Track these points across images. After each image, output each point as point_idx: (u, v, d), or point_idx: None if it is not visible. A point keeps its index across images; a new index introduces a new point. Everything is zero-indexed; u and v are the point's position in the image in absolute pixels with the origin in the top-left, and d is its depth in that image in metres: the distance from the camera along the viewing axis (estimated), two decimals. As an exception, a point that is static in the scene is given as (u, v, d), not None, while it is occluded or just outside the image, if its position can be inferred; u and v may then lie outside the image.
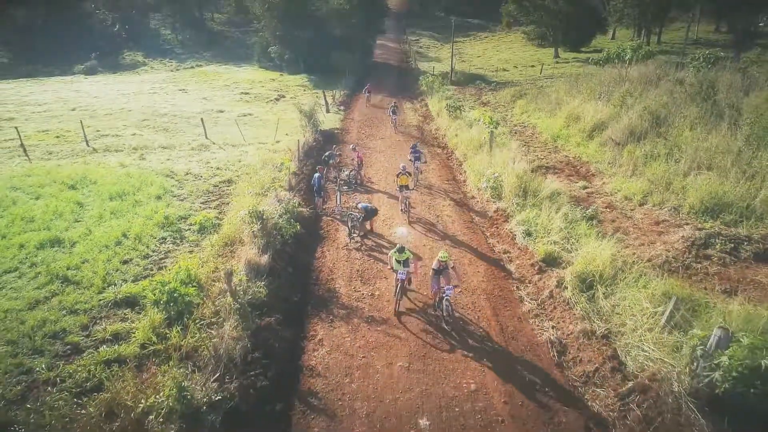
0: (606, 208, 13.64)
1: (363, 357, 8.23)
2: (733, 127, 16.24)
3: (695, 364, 6.85)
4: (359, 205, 12.22)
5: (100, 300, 9.82)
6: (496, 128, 18.35)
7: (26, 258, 11.33)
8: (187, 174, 17.27)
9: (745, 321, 7.33)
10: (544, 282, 10.29)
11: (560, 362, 8.35)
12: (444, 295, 8.96)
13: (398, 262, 9.39)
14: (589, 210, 12.63)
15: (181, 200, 15.07)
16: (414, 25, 75.78)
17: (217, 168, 18.06)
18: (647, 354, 7.58)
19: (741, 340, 6.52)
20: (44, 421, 6.73)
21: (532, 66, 46.87)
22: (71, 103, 32.02)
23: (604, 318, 8.73)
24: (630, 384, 7.41)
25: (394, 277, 9.66)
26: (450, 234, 13.05)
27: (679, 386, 6.89)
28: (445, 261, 9.07)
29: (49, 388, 7.59)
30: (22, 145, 20.38)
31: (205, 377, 6.74)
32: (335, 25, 43.54)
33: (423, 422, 6.99)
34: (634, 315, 8.26)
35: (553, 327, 9.13)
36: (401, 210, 14.05)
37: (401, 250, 9.38)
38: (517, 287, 10.55)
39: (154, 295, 8.33)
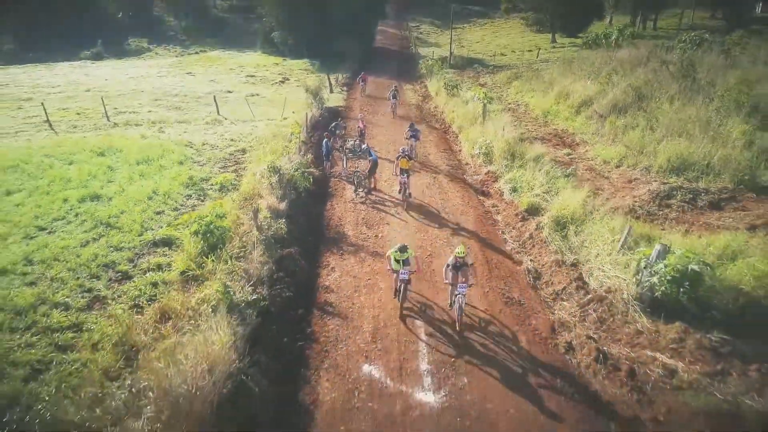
0: (586, 170, 15.14)
1: (368, 279, 9.81)
2: (707, 101, 17.68)
3: (640, 274, 8.41)
4: (368, 151, 13.74)
5: (140, 240, 11.38)
6: (489, 103, 19.80)
7: (71, 209, 12.87)
8: (204, 144, 18.76)
9: (683, 245, 8.88)
10: (526, 227, 11.85)
11: (534, 284, 9.92)
12: (458, 294, 8.37)
13: (398, 261, 8.67)
14: (569, 170, 14.14)
15: (201, 165, 16.58)
16: (414, 11, 76.68)
17: (231, 139, 19.54)
18: (605, 273, 9.14)
19: (675, 252, 8.08)
20: (108, 324, 8.28)
21: (530, 51, 48.05)
22: (84, 86, 33.35)
23: (573, 251, 10.28)
24: (589, 296, 8.99)
25: (393, 278, 9.05)
26: (445, 193, 14.57)
27: (627, 293, 8.45)
28: (462, 257, 8.59)
29: (109, 301, 9.18)
30: (47, 120, 21.91)
31: (241, 284, 8.30)
32: (338, 10, 44.62)
33: (418, 322, 8.57)
34: (597, 245, 9.81)
35: (530, 260, 10.69)
36: (399, 192, 13.59)
37: (403, 249, 8.67)
38: (502, 232, 12.09)
39: (193, 227, 9.85)
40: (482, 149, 16.13)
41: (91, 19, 59.95)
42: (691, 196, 12.25)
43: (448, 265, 8.70)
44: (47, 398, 6.39)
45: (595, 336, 8.14)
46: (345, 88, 31.80)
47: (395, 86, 25.82)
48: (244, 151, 18.11)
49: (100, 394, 6.17)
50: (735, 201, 12.03)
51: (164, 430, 5.33)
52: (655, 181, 13.28)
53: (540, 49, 46.58)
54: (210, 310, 7.40)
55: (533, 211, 12.25)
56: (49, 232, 11.64)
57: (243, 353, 6.81)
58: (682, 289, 7.82)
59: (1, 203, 13.27)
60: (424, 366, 7.63)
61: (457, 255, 8.56)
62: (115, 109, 24.95)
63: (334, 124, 18.33)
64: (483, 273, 10.12)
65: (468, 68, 39.89)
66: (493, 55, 46.97)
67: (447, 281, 8.65)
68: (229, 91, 30.66)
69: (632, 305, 8.33)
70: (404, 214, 12.84)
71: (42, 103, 22.10)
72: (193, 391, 5.60)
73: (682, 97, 18.88)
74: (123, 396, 5.84)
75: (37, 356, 7.59)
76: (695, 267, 7.75)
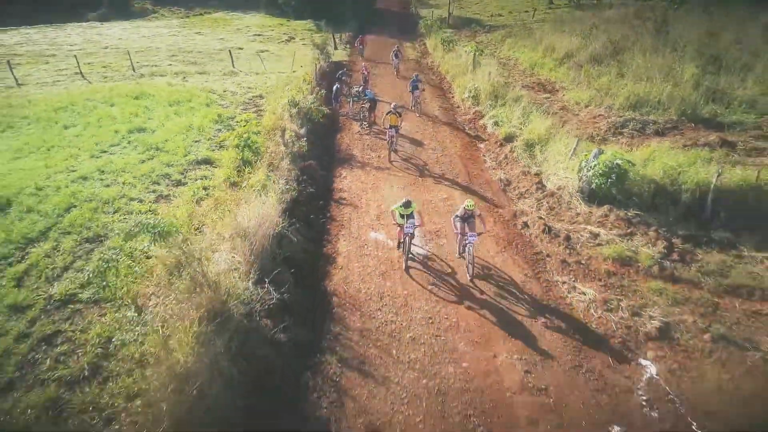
0: (559, 109, 17.53)
1: (373, 183, 12.42)
2: (673, 52, 19.90)
3: (581, 172, 10.99)
4: (367, 93, 16.13)
5: (186, 159, 13.92)
6: (480, 54, 21.98)
7: (123, 138, 15.38)
8: (225, 91, 21.07)
9: (622, 153, 11.42)
10: (502, 150, 14.38)
11: (504, 189, 12.53)
12: (467, 243, 8.89)
13: (402, 216, 9.03)
14: (543, 107, 16.56)
15: (225, 107, 18.96)
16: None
17: (248, 87, 21.82)
18: (558, 176, 11.73)
19: (606, 152, 10.64)
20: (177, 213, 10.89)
21: (526, 11, 49.39)
22: (101, 43, 35.24)
23: (537, 164, 12.85)
24: (545, 193, 11.61)
25: (398, 232, 9.53)
26: (439, 129, 17.02)
27: (571, 188, 11.06)
28: (471, 209, 8.97)
29: (171, 198, 11.81)
30: (79, 71, 24.15)
31: (276, 179, 10.91)
32: (340, -30, 45.81)
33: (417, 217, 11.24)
34: (556, 158, 12.37)
35: (504, 173, 13.27)
36: (388, 144, 14.37)
37: (407, 204, 8.97)
38: (483, 155, 14.64)
39: (234, 141, 12.39)
40: (471, 93, 18.49)
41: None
42: (641, 126, 14.72)
43: (456, 216, 9.11)
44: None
45: (544, 217, 10.79)
46: (348, 46, 33.71)
47: (397, 46, 27.14)
48: (261, 96, 20.42)
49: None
50: (676, 129, 14.50)
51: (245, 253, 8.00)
52: (614, 115, 15.71)
53: (536, 10, 47.96)
54: (258, 189, 10.01)
55: (509, 138, 14.75)
56: (110, 154, 14.19)
57: (283, 219, 9.45)
58: (610, 181, 10.41)
59: (62, 134, 15.78)
60: (417, 246, 10.32)
61: (466, 208, 8.95)
62: (138, 62, 27.06)
63: (340, 72, 20.57)
64: (464, 180, 12.72)
65: (465, 28, 41.47)
66: (491, 15, 48.37)
67: (456, 231, 9.13)
68: (240, 48, 32.59)
69: (574, 196, 10.96)
70: (394, 156, 14.79)
71: (75, 56, 24.31)
72: (256, 229, 8.26)
73: (653, 49, 21.05)
74: (210, 236, 8.50)
75: (127, 228, 10.25)
76: (620, 162, 10.32)
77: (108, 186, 12.11)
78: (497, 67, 21.82)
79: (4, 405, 6.43)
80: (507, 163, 13.69)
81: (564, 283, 8.79)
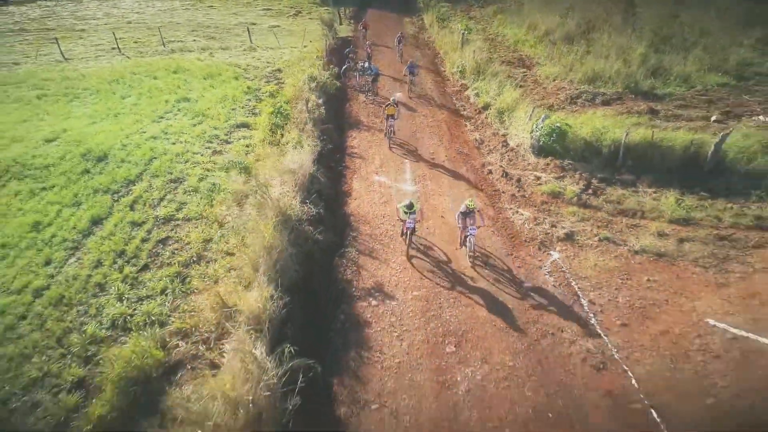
0: (532, 83, 21.02)
1: (378, 141, 16.15)
2: (634, 32, 23.20)
3: (533, 132, 14.69)
4: (371, 68, 19.62)
5: (227, 124, 17.57)
6: (469, 33, 25.24)
7: (173, 106, 18.98)
8: (248, 66, 24.46)
9: (565, 118, 15.09)
10: (480, 117, 18.02)
11: (478, 146, 16.24)
12: (469, 234, 10.31)
13: (406, 212, 10.45)
14: (517, 80, 20.07)
15: (251, 80, 22.42)
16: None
17: (267, 62, 25.19)
18: (518, 136, 15.43)
19: (551, 117, 14.34)
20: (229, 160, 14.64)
21: (521, -15, 51.71)
22: (123, 18, 38.19)
23: (504, 127, 16.52)
24: (507, 148, 15.34)
25: (402, 225, 10.97)
26: (431, 100, 20.55)
27: (525, 145, 14.78)
28: (472, 208, 10.24)
29: (222, 153, 15.54)
30: (117, 47, 27.46)
31: (305, 138, 14.65)
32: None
33: (407, 161, 15.01)
34: (518, 122, 16.03)
35: (479, 134, 16.97)
36: (385, 134, 16.28)
37: (410, 206, 10.42)
38: (464, 121, 18.29)
39: (269, 109, 16.05)
40: (459, 68, 21.95)
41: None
42: (592, 96, 18.29)
43: (460, 213, 10.42)
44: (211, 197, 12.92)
45: (504, 166, 14.57)
46: (352, 21, 36.67)
47: (401, 33, 28.46)
48: (279, 70, 23.83)
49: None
50: (620, 100, 18.07)
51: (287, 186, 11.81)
52: (573, 88, 19.26)
53: (530, -17, 50.29)
54: (294, 144, 13.77)
55: (486, 107, 18.36)
56: (167, 120, 17.84)
57: (313, 165, 13.25)
58: (552, 139, 14.12)
59: (122, 103, 19.39)
60: (408, 176, 14.12)
61: (467, 205, 10.27)
62: (164, 38, 30.28)
63: (348, 49, 23.92)
64: (448, 140, 16.44)
65: (462, 2, 44.14)
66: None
67: (459, 226, 10.58)
68: (253, 24, 35.59)
69: (527, 151, 14.69)
70: (405, 113, 18.71)
71: (113, 32, 27.51)
72: (297, 170, 12.06)
73: (619, 29, 24.30)
74: (266, 174, 12.33)
75: (198, 173, 14.06)
76: (560, 125, 14.02)
77: (174, 144, 15.83)
78: (483, 44, 25.11)
79: (147, 276, 10.36)
80: (482, 127, 17.37)
81: (511, 209, 12.64)
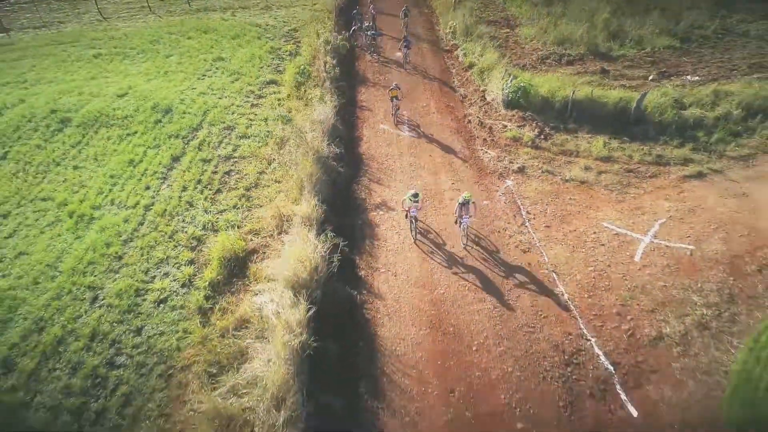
0: (513, 43, 24.63)
1: (382, 96, 20.16)
2: (607, -4, 26.41)
3: (504, 89, 18.72)
4: (375, 29, 23.28)
5: (258, 81, 21.53)
6: (461, -5, 28.44)
7: (211, 65, 22.80)
8: (267, 25, 27.87)
9: (530, 78, 19.06)
10: (465, 74, 21.90)
11: (462, 100, 20.29)
12: (462, 222, 12.23)
13: (411, 200, 12.24)
14: (499, 41, 23.70)
15: (271, 40, 25.98)
16: None
17: (284, 21, 28.54)
18: (494, 92, 19.45)
19: (518, 77, 18.35)
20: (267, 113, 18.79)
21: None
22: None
23: (484, 84, 20.48)
24: (484, 102, 19.43)
25: (408, 214, 12.79)
26: (424, 57, 24.26)
27: (498, 100, 18.86)
28: (468, 199, 12.03)
29: (259, 105, 19.64)
30: (148, 5, 30.66)
31: (324, 92, 18.73)
32: None
33: (405, 112, 19.15)
34: (494, 80, 19.97)
35: (463, 90, 20.97)
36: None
37: (415, 195, 12.24)
38: (453, 77, 22.18)
39: (294, 69, 20.01)
40: (451, 29, 25.49)
41: None
42: (559, 57, 22.07)
43: (458, 203, 12.23)
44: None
45: (480, 117, 18.73)
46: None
47: (406, 6, 27.48)
48: (295, 30, 27.28)
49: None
50: (581, 61, 21.88)
51: (314, 135, 16.06)
52: (545, 49, 22.98)
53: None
54: (318, 99, 17.91)
55: (471, 66, 22.17)
56: (209, 77, 21.75)
57: (333, 116, 17.44)
58: (518, 96, 18.20)
59: (167, 62, 23.20)
60: (405, 125, 18.34)
61: (465, 197, 12.04)
62: (185, -4, 33.25)
63: (354, 11, 27.24)
64: (438, 96, 20.47)
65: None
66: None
67: (456, 215, 12.43)
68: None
69: (499, 104, 18.80)
70: (403, 72, 22.57)
71: (143, -7, 30.60)
72: (323, 119, 16.29)
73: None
74: (301, 122, 16.59)
75: (244, 122, 18.25)
76: (524, 84, 18.06)
77: (220, 99, 19.91)
78: (474, 3, 28.34)
79: (221, 196, 14.85)
80: (466, 83, 21.32)
81: (481, 150, 16.95)
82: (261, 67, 22.66)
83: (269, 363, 8.99)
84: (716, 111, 16.69)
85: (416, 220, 12.97)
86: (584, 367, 9.81)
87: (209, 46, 24.71)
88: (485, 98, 19.72)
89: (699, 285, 11.26)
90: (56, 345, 10.40)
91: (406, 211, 12.91)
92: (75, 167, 15.97)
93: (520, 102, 18.28)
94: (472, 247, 12.96)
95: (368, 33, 24.49)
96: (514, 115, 18.13)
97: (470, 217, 12.42)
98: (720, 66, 20.44)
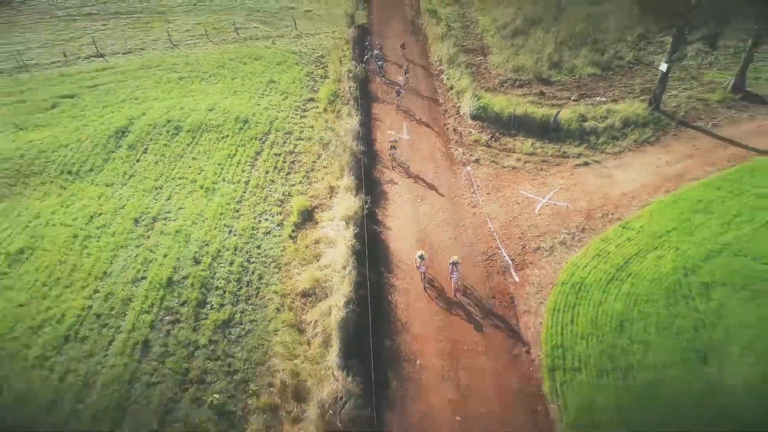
0: (483, 70, 33.74)
1: (388, 111, 29.36)
2: (554, 31, 35.52)
3: (471, 106, 27.90)
4: (382, 58, 32.51)
5: (302, 99, 30.67)
6: (447, 27, 37.55)
7: (266, 87, 31.89)
8: (301, 52, 36.88)
9: (489, 99, 28.26)
10: (447, 94, 31.07)
11: (444, 114, 29.44)
12: (453, 276, 17.06)
13: (421, 258, 17.20)
14: (473, 68, 32.83)
15: (306, 65, 34.99)
16: None
17: (313, 48, 37.50)
18: (464, 108, 28.64)
19: (481, 99, 27.57)
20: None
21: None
22: (190, 2, 49.60)
23: (459, 101, 29.62)
24: (458, 115, 28.67)
25: (419, 270, 17.74)
26: (419, 83, 33.35)
27: (467, 113, 28.09)
28: (456, 261, 16.91)
29: (306, 117, 28.82)
30: (206, 33, 39.76)
31: (349, 109, 27.94)
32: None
33: (405, 122, 28.38)
34: (466, 99, 29.12)
35: (445, 106, 30.16)
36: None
37: (422, 256, 17.20)
38: (439, 97, 31.37)
39: (327, 91, 29.22)
40: (438, 58, 34.65)
41: None
42: (514, 82, 31.22)
43: (450, 263, 17.01)
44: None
45: (455, 125, 27.93)
46: (365, 5, 48.12)
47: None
48: (322, 56, 36.37)
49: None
50: (528, 84, 31.02)
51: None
52: (504, 76, 32.14)
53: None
54: (346, 114, 27.13)
55: (451, 88, 31.32)
56: (267, 96, 30.87)
57: (357, 126, 26.66)
58: (480, 111, 27.41)
59: (233, 83, 32.30)
60: (405, 130, 27.51)
61: (454, 260, 16.93)
62: (232, 24, 42.27)
63: (367, 42, 36.33)
64: (428, 110, 29.67)
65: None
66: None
67: (449, 272, 17.28)
68: (292, 7, 47.25)
69: (467, 117, 28.02)
70: (403, 93, 31.76)
71: (202, 24, 39.73)
72: (350, 128, 25.52)
73: (548, 27, 36.55)
74: (337, 130, 25.84)
75: (298, 129, 27.41)
76: (484, 104, 27.26)
77: (279, 112, 29.03)
78: (459, 32, 37.47)
79: (290, 176, 24.12)
80: (447, 101, 30.47)
81: (453, 148, 26.12)
82: (302, 88, 31.78)
83: (336, 255, 18.25)
84: (605, 123, 25.80)
85: (424, 275, 17.91)
86: (496, 261, 19.07)
87: (261, 70, 33.81)
88: (459, 112, 28.89)
89: (566, 224, 20.49)
90: (216, 253, 19.63)
91: (418, 267, 17.88)
92: (193, 158, 25.13)
93: (481, 116, 27.41)
94: (461, 295, 17.94)
95: (378, 62, 33.63)
96: (476, 125, 27.28)
97: (458, 273, 17.27)
98: (623, 89, 29.59)
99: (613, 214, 20.57)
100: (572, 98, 28.96)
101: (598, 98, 28.72)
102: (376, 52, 35.15)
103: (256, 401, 14.25)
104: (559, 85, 30.66)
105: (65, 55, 36.92)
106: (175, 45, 38.70)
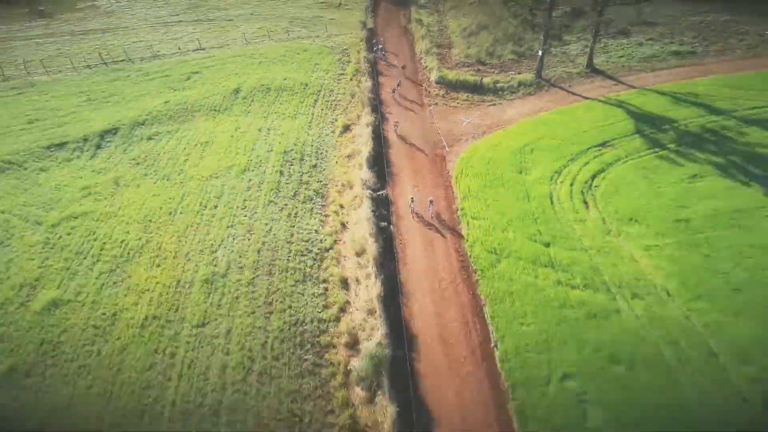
0: (446, 57, 54.21)
1: (389, 81, 50.00)
2: (490, 29, 56.06)
3: (435, 76, 48.48)
4: (384, 50, 53.11)
5: (336, 74, 51.23)
6: (427, 31, 58.11)
7: (314, 67, 52.56)
8: (332, 47, 57.40)
9: (447, 72, 48.87)
10: (424, 71, 51.70)
11: (421, 82, 50.09)
12: (430, 208, 29.25)
13: (412, 200, 30.34)
14: (441, 57, 53.33)
15: (336, 54, 55.52)
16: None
17: (339, 44, 57.98)
18: (433, 77, 49.28)
19: (442, 72, 48.22)
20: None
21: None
22: (248, 12, 70.23)
23: (430, 73, 50.24)
24: (429, 81, 49.36)
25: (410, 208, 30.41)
26: (408, 63, 53.78)
27: (433, 81, 48.74)
28: (431, 200, 29.82)
29: (341, 83, 49.32)
30: (267, 34, 60.50)
31: (365, 78, 48.52)
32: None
33: (398, 88, 48.97)
34: (433, 72, 49.72)
35: (422, 76, 50.80)
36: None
37: (412, 199, 30.15)
38: (419, 72, 51.98)
39: (351, 70, 49.82)
40: (420, 50, 55.27)
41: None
42: (463, 64, 51.82)
43: (429, 201, 30.10)
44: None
45: (426, 87, 48.53)
46: (372, 13, 68.63)
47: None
48: (346, 49, 56.84)
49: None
50: (472, 65, 51.60)
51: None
52: (460, 60, 52.71)
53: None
54: (364, 81, 47.72)
55: (430, 70, 51.93)
56: (315, 73, 51.50)
57: (371, 87, 47.26)
58: (441, 78, 48.00)
59: (291, 67, 52.97)
60: (397, 95, 48.00)
61: (430, 200, 29.91)
62: (282, 28, 62.76)
63: (374, 41, 56.88)
64: (412, 80, 50.25)
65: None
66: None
67: (427, 207, 30.12)
68: (320, 17, 67.76)
69: (434, 82, 48.65)
70: (400, 77, 52.20)
71: (263, 29, 60.55)
72: (367, 87, 46.07)
73: (492, 28, 57.05)
74: (360, 95, 46.51)
75: (339, 89, 47.86)
76: (442, 75, 47.88)
77: (324, 81, 49.58)
78: (436, 32, 58.07)
79: (337, 124, 44.78)
80: (424, 74, 51.13)
81: (425, 98, 46.74)
82: (335, 67, 52.25)
83: (362, 139, 38.83)
84: (508, 84, 46.29)
85: (416, 213, 31.40)
86: (439, 144, 39.63)
87: (309, 57, 54.36)
88: (429, 80, 49.44)
89: (476, 130, 40.97)
90: (303, 143, 40.26)
91: (411, 207, 31.44)
92: (280, 104, 45.69)
93: (441, 81, 47.95)
94: (434, 208, 42.43)
95: (382, 52, 54.26)
96: (438, 86, 47.80)
97: (433, 207, 31.42)
98: (527, 67, 50.10)
99: (499, 126, 41.12)
100: (496, 72, 49.55)
101: (512, 73, 49.30)
102: (380, 46, 55.72)
103: (332, 187, 34.66)
104: (490, 65, 51.22)
105: (179, 48, 57.52)
106: (248, 42, 59.25)
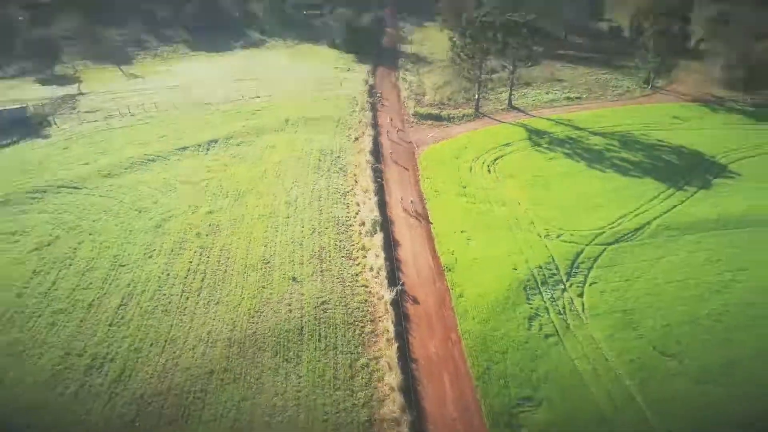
0: (421, 101, 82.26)
1: (383, 114, 77.68)
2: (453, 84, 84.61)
3: (411, 112, 76.13)
4: (380, 96, 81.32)
5: (348, 97, 78.97)
6: (409, 86, 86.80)
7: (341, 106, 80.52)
8: (345, 95, 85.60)
9: (421, 109, 76.59)
10: (403, 108, 79.63)
11: (405, 115, 77.72)
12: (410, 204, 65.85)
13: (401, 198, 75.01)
14: (418, 101, 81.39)
15: (348, 99, 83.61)
16: (401, 12, 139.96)
17: (350, 93, 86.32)
18: (409, 110, 77.00)
19: (415, 109, 76.00)
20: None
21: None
22: (272, 70, 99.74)
23: (408, 110, 78.04)
24: (406, 112, 77.08)
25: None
26: (394, 105, 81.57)
27: (410, 114, 76.42)
28: (407, 168, 75.32)
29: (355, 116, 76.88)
30: (303, 90, 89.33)
31: (367, 113, 76.20)
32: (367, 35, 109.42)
33: (387, 103, 76.54)
34: (410, 109, 77.41)
35: (406, 94, 78.61)
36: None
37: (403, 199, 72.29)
38: (405, 114, 79.86)
39: (359, 107, 77.73)
40: (403, 97, 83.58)
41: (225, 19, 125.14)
42: (431, 105, 79.79)
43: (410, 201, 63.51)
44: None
45: (405, 117, 76.08)
46: (372, 74, 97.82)
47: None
48: (354, 96, 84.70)
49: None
50: (437, 105, 79.47)
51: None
52: (429, 103, 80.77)
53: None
54: (365, 114, 75.38)
55: (407, 107, 79.83)
56: (339, 108, 79.34)
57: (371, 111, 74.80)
58: (416, 113, 75.64)
59: (325, 103, 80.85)
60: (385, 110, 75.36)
61: (411, 201, 58.66)
62: (306, 88, 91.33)
63: (374, 91, 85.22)
64: (397, 112, 77.93)
65: (420, 62, 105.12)
66: (432, 53, 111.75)
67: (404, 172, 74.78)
68: (336, 76, 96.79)
69: (411, 115, 76.28)
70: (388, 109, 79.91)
71: (285, 87, 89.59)
72: (368, 120, 73.57)
73: (453, 84, 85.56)
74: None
75: (353, 121, 75.15)
76: (417, 111, 75.56)
77: (342, 112, 77.15)
78: (416, 86, 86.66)
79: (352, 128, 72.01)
80: (405, 110, 78.93)
81: (405, 123, 74.02)
82: (348, 106, 80.00)
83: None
84: (460, 115, 73.83)
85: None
86: (410, 146, 66.42)
87: (331, 102, 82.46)
88: (408, 114, 77.12)
89: (434, 139, 67.90)
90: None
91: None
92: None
93: (416, 114, 75.56)
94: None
95: (378, 99, 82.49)
96: (415, 117, 75.36)
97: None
98: (469, 106, 78.03)
99: (449, 137, 68.00)
100: (450, 108, 77.28)
101: (459, 108, 77.04)
102: (378, 94, 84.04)
103: (349, 167, 60.95)
104: (448, 105, 79.08)
105: (242, 96, 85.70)
106: (290, 91, 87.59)
